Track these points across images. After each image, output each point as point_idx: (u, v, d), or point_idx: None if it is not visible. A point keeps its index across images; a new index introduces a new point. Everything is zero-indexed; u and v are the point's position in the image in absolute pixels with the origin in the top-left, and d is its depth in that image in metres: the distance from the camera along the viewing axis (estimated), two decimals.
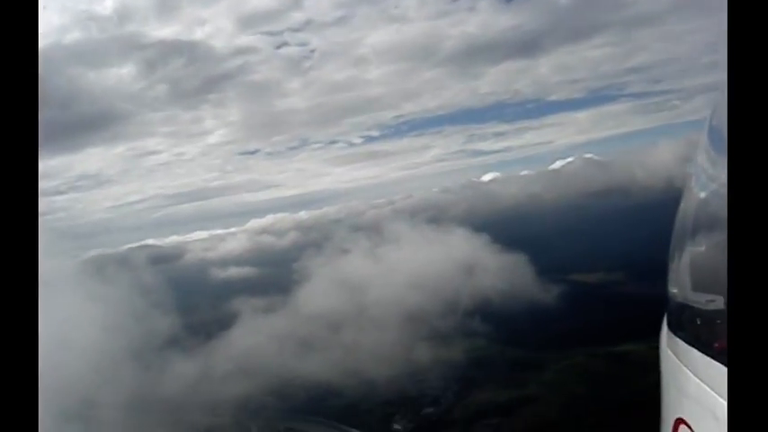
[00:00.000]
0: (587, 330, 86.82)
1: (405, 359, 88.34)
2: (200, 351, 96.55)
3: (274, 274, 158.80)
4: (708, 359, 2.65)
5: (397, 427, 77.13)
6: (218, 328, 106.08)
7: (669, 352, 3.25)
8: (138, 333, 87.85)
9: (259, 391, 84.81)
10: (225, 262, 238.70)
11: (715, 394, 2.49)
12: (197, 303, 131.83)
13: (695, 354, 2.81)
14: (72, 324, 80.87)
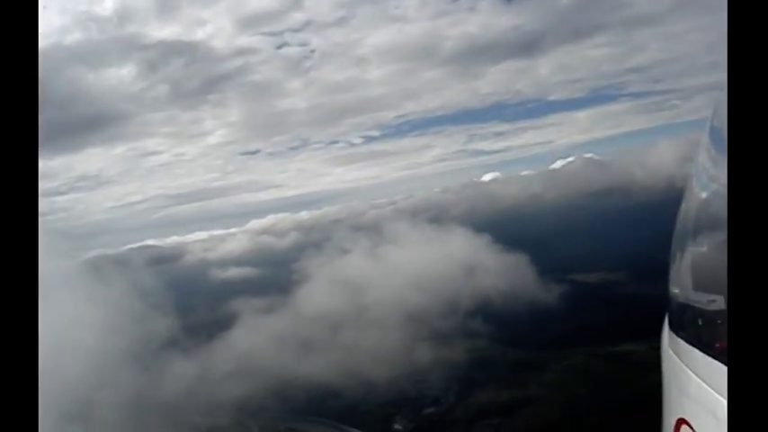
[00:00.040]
0: (588, 330, 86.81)
1: (405, 359, 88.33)
2: (201, 352, 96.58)
3: (275, 275, 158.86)
4: (709, 359, 2.64)
5: (397, 427, 77.12)
6: (218, 329, 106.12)
7: (670, 352, 3.24)
8: (138, 334, 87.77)
9: (259, 391, 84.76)
10: (225, 262, 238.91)
11: (716, 394, 2.48)
12: (197, 304, 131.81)
13: (697, 354, 2.80)
14: (72, 325, 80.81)
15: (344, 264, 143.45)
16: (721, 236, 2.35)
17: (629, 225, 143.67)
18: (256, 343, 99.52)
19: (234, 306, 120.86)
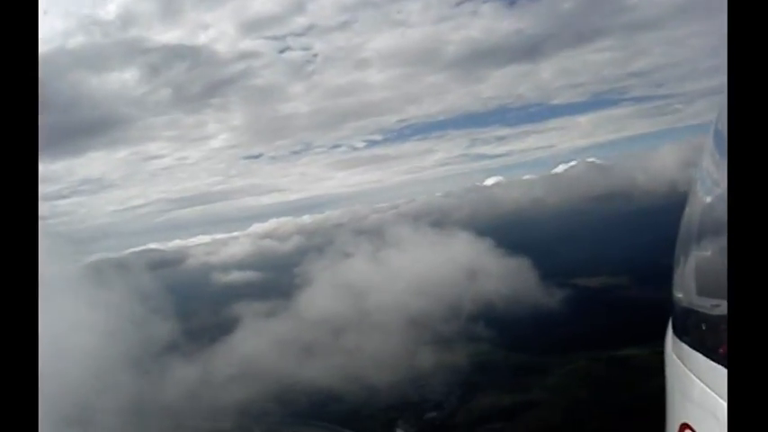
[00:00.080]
0: (590, 335, 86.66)
1: (407, 364, 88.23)
2: (203, 356, 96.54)
3: (277, 279, 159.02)
4: (713, 364, 2.64)
5: (399, 431, 77.03)
6: (220, 333, 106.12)
7: (674, 356, 3.24)
8: (140, 337, 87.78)
9: (261, 395, 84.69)
10: (227, 266, 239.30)
11: (720, 399, 2.48)
12: (199, 308, 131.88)
13: (700, 358, 2.80)
14: (74, 328, 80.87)
15: (347, 268, 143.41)
16: (725, 240, 2.35)
17: (632, 229, 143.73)
18: (258, 347, 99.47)
19: (236, 310, 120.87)
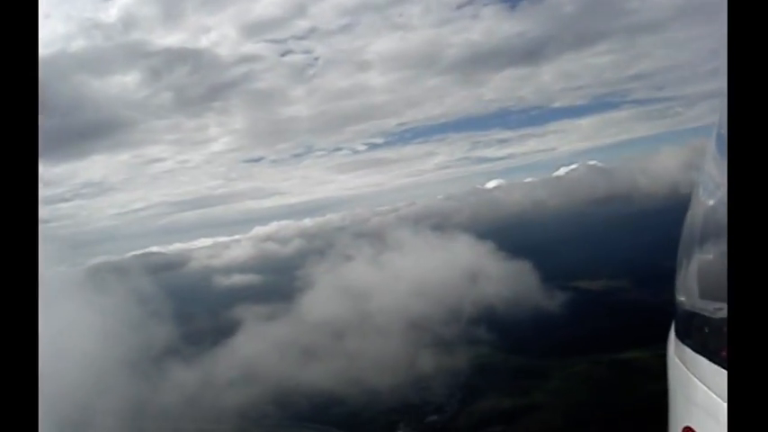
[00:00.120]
0: (591, 338, 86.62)
1: (408, 367, 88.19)
2: (203, 359, 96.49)
3: (278, 282, 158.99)
4: (715, 367, 2.63)
5: None
6: (221, 336, 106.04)
7: (677, 360, 3.23)
8: (140, 341, 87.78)
9: (262, 398, 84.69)
10: (229, 269, 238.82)
11: (723, 402, 2.47)
12: (200, 311, 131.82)
13: (703, 362, 2.79)
14: (75, 331, 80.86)
15: (348, 271, 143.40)
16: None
17: (633, 232, 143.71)
18: (259, 350, 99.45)
19: (237, 313, 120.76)
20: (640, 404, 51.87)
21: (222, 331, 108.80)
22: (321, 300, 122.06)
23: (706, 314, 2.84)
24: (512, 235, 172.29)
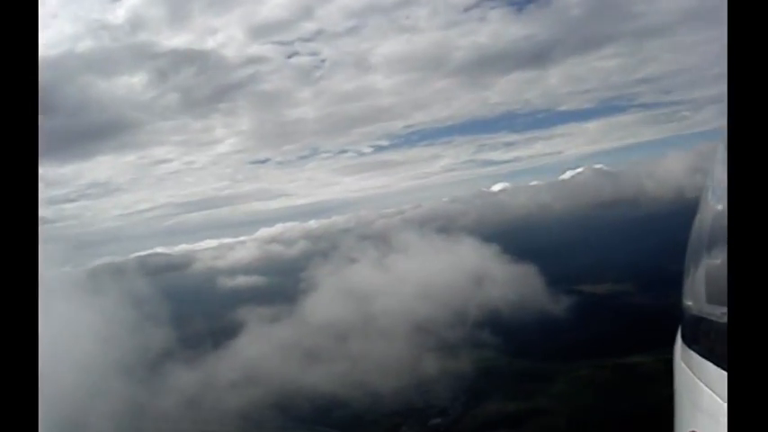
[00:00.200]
0: (596, 342, 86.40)
1: (412, 370, 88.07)
2: (207, 360, 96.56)
3: (283, 284, 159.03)
4: (722, 372, 2.62)
5: None
6: (225, 338, 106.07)
7: (683, 365, 3.22)
8: (142, 342, 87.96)
9: (265, 401, 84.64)
10: (234, 271, 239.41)
11: (727, 407, 2.46)
12: (205, 312, 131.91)
13: (709, 367, 2.78)
14: (78, 332, 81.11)
15: (352, 273, 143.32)
16: None
17: (638, 236, 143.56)
18: (263, 352, 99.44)
19: (241, 314, 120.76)
20: (645, 408, 51.80)
21: (226, 333, 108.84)
22: (325, 302, 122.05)
23: (713, 319, 2.82)
24: (517, 238, 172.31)
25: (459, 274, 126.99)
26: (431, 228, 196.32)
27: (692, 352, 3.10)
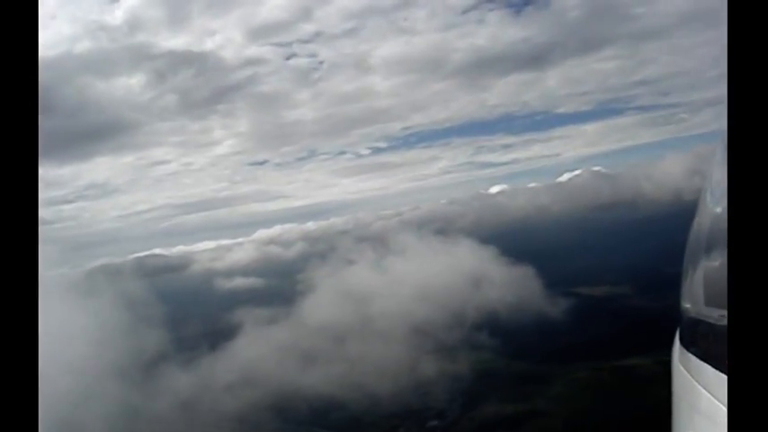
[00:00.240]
0: (594, 344, 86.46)
1: (410, 372, 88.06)
2: (203, 363, 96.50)
3: (281, 285, 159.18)
4: (720, 375, 2.62)
5: None
6: (222, 339, 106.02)
7: (681, 367, 3.22)
8: (139, 344, 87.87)
9: (262, 403, 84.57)
10: (232, 272, 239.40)
11: (727, 410, 2.46)
12: (202, 314, 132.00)
13: (708, 369, 2.78)
14: (75, 333, 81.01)
15: (350, 275, 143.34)
16: None
17: (636, 238, 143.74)
18: (261, 353, 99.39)
19: (239, 316, 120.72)
20: (643, 411, 51.86)
21: (223, 334, 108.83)
22: (323, 303, 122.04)
23: (711, 322, 2.82)
24: (515, 240, 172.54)
25: (456, 276, 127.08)
26: (429, 229, 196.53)
27: (690, 354, 3.10)
